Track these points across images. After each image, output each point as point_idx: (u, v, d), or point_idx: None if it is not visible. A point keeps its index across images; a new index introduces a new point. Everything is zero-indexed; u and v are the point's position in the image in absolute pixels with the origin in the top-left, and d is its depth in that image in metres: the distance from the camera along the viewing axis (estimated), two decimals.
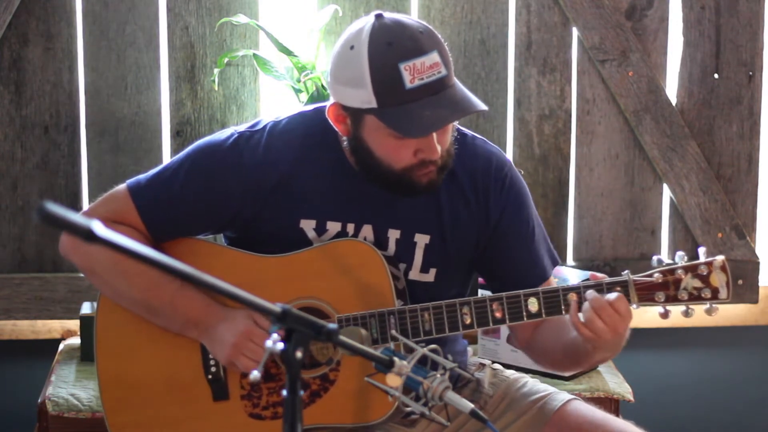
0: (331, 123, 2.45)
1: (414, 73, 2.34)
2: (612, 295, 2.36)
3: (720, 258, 2.37)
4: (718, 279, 2.37)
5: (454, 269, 2.58)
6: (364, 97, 2.36)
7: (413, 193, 2.46)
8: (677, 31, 3.58)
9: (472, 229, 2.56)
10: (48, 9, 3.40)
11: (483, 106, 2.40)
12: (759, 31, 3.59)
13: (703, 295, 2.37)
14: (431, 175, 2.43)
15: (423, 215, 2.54)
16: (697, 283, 2.37)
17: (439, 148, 2.40)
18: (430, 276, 2.56)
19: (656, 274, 2.39)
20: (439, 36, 2.40)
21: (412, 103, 2.34)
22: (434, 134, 2.38)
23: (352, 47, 2.37)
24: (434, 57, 2.35)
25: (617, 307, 2.35)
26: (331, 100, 2.45)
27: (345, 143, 2.47)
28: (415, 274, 2.55)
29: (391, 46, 2.34)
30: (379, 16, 2.38)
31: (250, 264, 2.53)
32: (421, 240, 2.54)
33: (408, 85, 2.33)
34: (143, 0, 3.43)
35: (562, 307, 2.41)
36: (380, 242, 2.53)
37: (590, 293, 2.37)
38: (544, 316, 2.43)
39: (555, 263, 2.64)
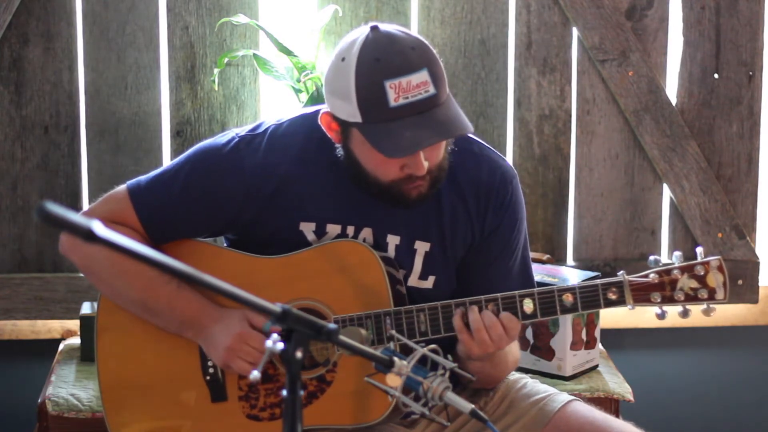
0: (324, 130, 2.45)
1: (399, 91, 2.31)
2: (505, 316, 2.42)
3: (717, 258, 2.37)
4: (715, 279, 2.36)
5: (452, 276, 2.58)
6: (350, 111, 2.35)
7: (403, 205, 2.45)
8: (677, 31, 3.58)
9: (467, 237, 2.56)
10: (48, 9, 3.40)
11: (469, 128, 2.37)
12: (759, 31, 3.58)
13: (699, 296, 2.36)
14: (420, 188, 2.42)
15: (424, 222, 2.53)
16: (694, 284, 2.37)
17: (426, 164, 2.38)
18: (429, 283, 2.56)
19: (652, 275, 2.38)
20: (434, 52, 2.38)
21: (395, 121, 2.32)
22: (421, 152, 2.37)
23: (343, 59, 2.36)
24: (422, 75, 2.33)
25: (507, 327, 2.42)
26: (325, 107, 2.45)
27: (337, 151, 2.47)
28: (413, 281, 2.55)
29: (378, 62, 2.32)
30: (374, 29, 2.37)
31: (248, 264, 2.53)
32: (422, 247, 2.54)
33: (392, 103, 2.31)
34: (143, 0, 3.43)
35: (558, 308, 2.42)
36: (379, 246, 2.53)
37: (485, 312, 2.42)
38: (539, 317, 2.43)
39: (527, 287, 2.62)
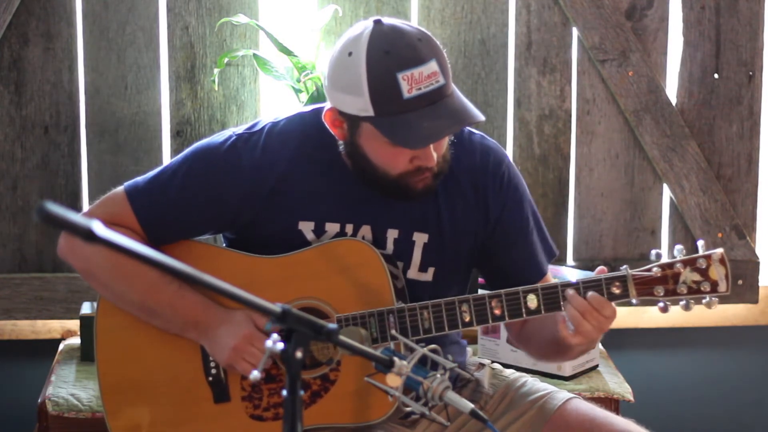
0: (328, 127, 2.45)
1: (412, 82, 2.33)
2: (594, 298, 2.37)
3: (719, 251, 2.37)
4: (717, 272, 2.36)
5: (453, 268, 2.58)
6: (360, 105, 2.35)
7: (409, 197, 2.46)
8: (677, 31, 3.58)
9: (470, 227, 2.56)
10: (48, 9, 3.41)
11: (481, 117, 2.39)
12: (759, 31, 3.59)
13: (702, 289, 2.36)
14: (427, 180, 2.43)
15: (421, 214, 2.54)
16: (696, 277, 2.37)
17: (435, 155, 2.40)
18: (429, 275, 2.56)
19: (655, 269, 2.38)
20: (438, 43, 2.39)
21: (410, 113, 2.33)
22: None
23: (350, 54, 2.37)
24: (432, 66, 2.34)
25: (600, 311, 2.37)
26: (328, 105, 2.45)
27: (341, 147, 2.47)
28: (413, 273, 2.55)
29: (388, 54, 2.33)
30: (377, 22, 2.38)
31: (249, 265, 2.53)
32: (420, 239, 2.54)
33: (406, 95, 2.32)
34: (143, 0, 3.43)
35: (561, 303, 2.42)
36: (379, 242, 2.53)
37: (571, 296, 2.38)
38: (543, 312, 2.42)
39: (551, 256, 2.64)
